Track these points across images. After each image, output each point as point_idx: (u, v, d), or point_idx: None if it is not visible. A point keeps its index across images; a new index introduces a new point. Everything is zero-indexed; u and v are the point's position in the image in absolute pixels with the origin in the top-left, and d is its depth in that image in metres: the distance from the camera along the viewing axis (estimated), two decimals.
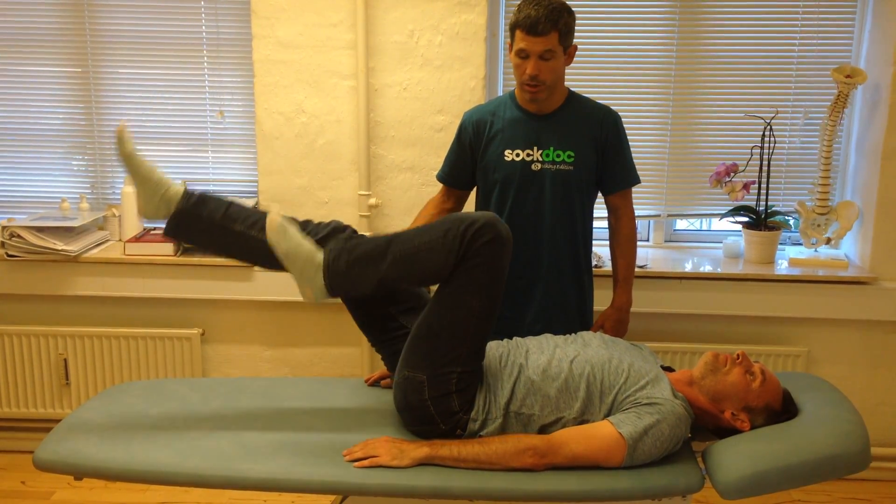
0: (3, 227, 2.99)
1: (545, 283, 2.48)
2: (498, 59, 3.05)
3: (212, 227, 2.07)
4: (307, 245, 1.99)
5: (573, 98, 2.47)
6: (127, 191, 3.12)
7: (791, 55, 3.03)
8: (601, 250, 3.08)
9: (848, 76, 2.86)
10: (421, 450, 1.89)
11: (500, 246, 1.93)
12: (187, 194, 2.08)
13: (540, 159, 2.41)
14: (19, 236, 2.98)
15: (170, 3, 3.07)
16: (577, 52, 3.04)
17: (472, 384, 1.99)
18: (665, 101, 3.09)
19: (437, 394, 1.96)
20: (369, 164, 2.97)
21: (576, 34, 3.03)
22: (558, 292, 2.49)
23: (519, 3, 2.33)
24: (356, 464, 1.88)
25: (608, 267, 2.94)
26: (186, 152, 3.20)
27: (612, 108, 2.49)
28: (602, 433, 1.88)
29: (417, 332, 2.00)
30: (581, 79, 3.07)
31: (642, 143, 3.12)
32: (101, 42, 3.13)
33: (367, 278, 1.98)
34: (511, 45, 2.34)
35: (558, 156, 2.41)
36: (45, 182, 3.26)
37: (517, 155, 2.42)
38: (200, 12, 3.08)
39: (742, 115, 3.07)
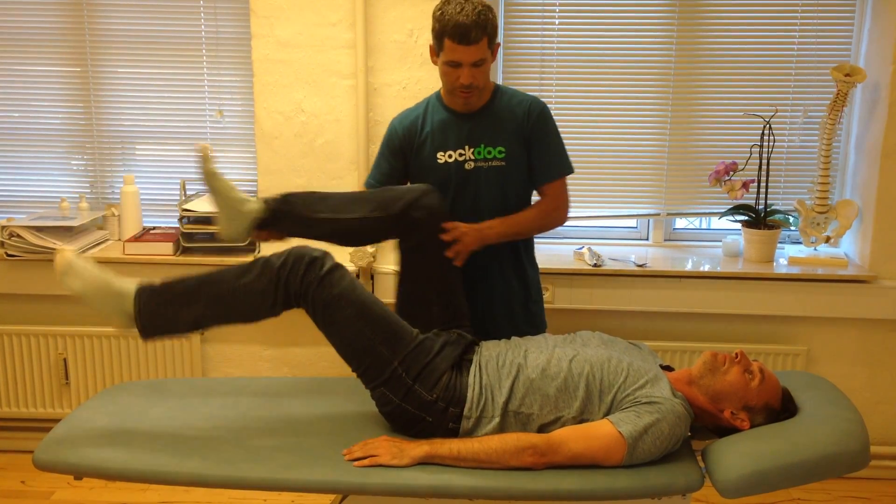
0: (3, 227, 2.99)
1: (488, 282, 2.43)
2: (498, 58, 3.04)
3: (300, 222, 2.14)
4: (107, 277, 2.03)
5: (499, 92, 2.40)
6: (126, 190, 3.12)
7: (790, 54, 3.03)
8: (602, 249, 3.09)
9: (847, 75, 2.86)
10: (420, 448, 1.89)
11: (328, 274, 2.01)
12: (268, 202, 2.13)
13: (472, 158, 2.36)
14: (19, 236, 2.98)
15: (169, 3, 3.07)
16: (576, 50, 3.07)
17: (423, 365, 2.00)
18: (664, 99, 3.09)
19: (402, 394, 1.99)
20: (369, 164, 2.97)
21: (575, 33, 3.06)
22: (502, 290, 2.45)
23: (442, 5, 2.22)
24: (356, 463, 1.88)
25: (609, 266, 2.95)
26: (186, 152, 3.20)
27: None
28: (601, 432, 1.88)
29: (344, 358, 2.06)
30: (581, 76, 3.07)
31: (642, 142, 3.12)
32: (100, 41, 3.13)
33: (181, 319, 2.03)
34: (436, 51, 2.27)
35: (489, 153, 2.36)
36: (44, 182, 3.26)
37: (449, 156, 2.36)
38: (199, 12, 3.08)
39: (741, 113, 3.07)
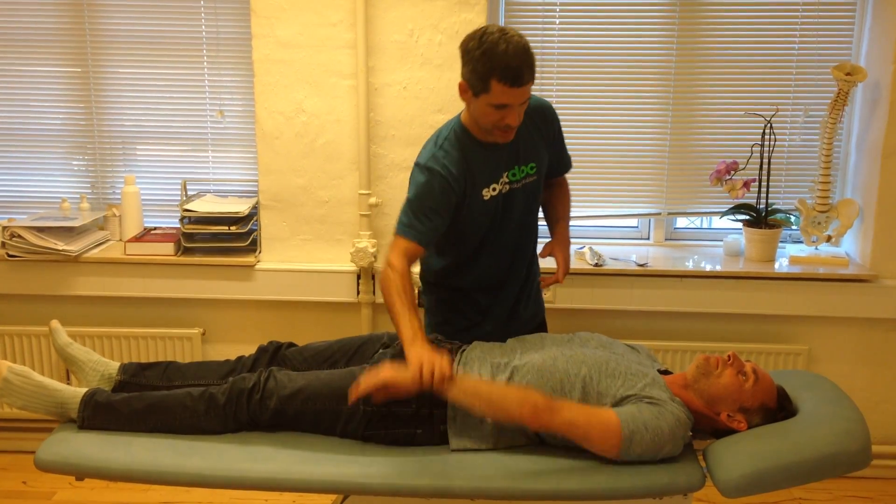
0: (4, 228, 3.00)
1: (507, 295, 2.40)
2: None
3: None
4: (47, 390, 2.03)
5: None
6: (127, 190, 3.12)
7: (791, 53, 3.03)
8: (603, 249, 3.08)
9: (848, 74, 2.86)
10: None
11: (265, 388, 2.01)
12: (124, 368, 2.17)
13: (507, 181, 2.25)
14: (20, 236, 2.98)
15: (169, 3, 3.07)
16: (576, 49, 3.07)
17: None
18: (665, 98, 3.08)
19: (385, 423, 1.98)
20: (369, 164, 2.97)
21: (576, 32, 3.06)
22: (515, 299, 2.42)
23: (480, 42, 2.01)
24: (363, 385, 1.87)
25: (609, 265, 2.94)
26: (186, 152, 3.20)
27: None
28: (603, 415, 1.88)
29: (324, 434, 2.03)
30: (582, 76, 3.06)
31: (642, 141, 3.12)
32: (100, 42, 3.13)
33: (130, 429, 2.04)
34: (475, 91, 2.06)
35: (522, 171, 2.26)
36: (45, 182, 3.26)
37: (493, 189, 2.23)
38: (200, 12, 3.08)
39: (742, 112, 3.06)
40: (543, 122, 2.31)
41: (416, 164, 2.22)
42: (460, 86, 2.11)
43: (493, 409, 1.89)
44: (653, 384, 1.95)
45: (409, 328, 1.99)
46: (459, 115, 2.25)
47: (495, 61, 1.99)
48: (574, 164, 2.47)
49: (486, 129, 2.15)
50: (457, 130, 2.22)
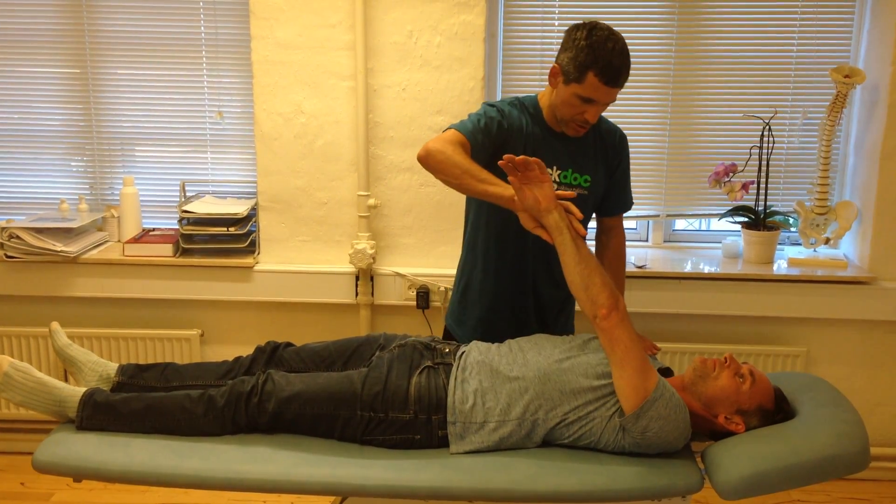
0: (3, 229, 2.99)
1: (536, 314, 2.38)
2: (497, 60, 3.05)
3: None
4: (47, 387, 2.03)
5: None
6: (126, 191, 3.12)
7: (790, 55, 3.04)
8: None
9: (846, 76, 2.86)
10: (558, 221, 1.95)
11: (262, 391, 1.99)
12: (122, 369, 2.17)
13: (557, 180, 2.24)
14: (18, 237, 2.98)
15: (168, 4, 3.07)
16: None
17: (381, 392, 1.97)
18: (664, 101, 3.09)
19: (383, 429, 1.97)
20: (368, 165, 2.97)
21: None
22: (542, 328, 2.38)
23: (589, 33, 2.07)
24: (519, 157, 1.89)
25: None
26: (185, 153, 3.20)
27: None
28: (649, 364, 1.90)
29: (321, 437, 2.01)
30: None
31: (641, 144, 3.12)
32: (99, 43, 3.13)
33: (129, 429, 2.03)
34: (567, 78, 2.10)
35: (575, 179, 2.27)
36: (43, 183, 3.26)
37: None
38: (199, 13, 3.08)
39: (741, 115, 3.07)
40: (613, 146, 2.33)
41: (484, 103, 2.29)
42: (553, 69, 2.15)
43: (583, 267, 1.91)
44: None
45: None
46: (536, 94, 2.30)
47: (599, 55, 2.04)
48: None
49: (562, 118, 2.20)
50: (529, 105, 2.27)
